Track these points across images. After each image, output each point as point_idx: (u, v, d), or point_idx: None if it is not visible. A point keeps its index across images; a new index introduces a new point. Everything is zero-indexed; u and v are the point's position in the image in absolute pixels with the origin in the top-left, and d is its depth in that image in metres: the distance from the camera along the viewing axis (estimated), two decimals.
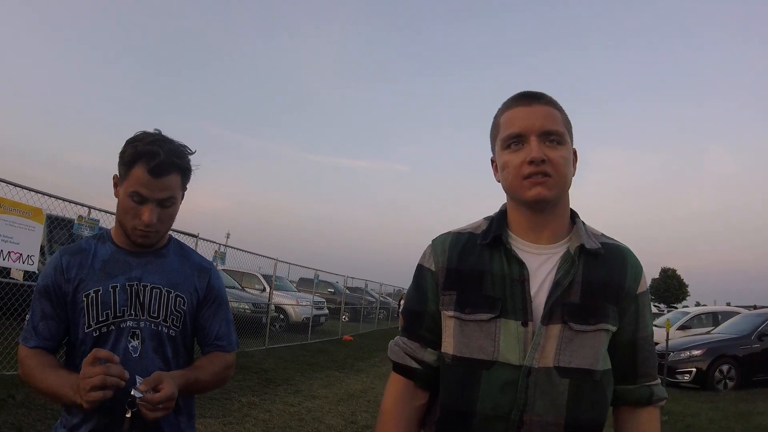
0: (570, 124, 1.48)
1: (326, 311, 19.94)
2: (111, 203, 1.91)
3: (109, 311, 1.78)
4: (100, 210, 7.95)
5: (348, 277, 24.05)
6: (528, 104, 1.43)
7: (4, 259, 6.24)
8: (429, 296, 1.51)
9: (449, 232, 1.56)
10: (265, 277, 17.17)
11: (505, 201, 1.54)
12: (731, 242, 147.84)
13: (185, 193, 1.91)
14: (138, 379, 1.60)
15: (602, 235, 1.51)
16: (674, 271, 76.84)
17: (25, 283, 7.35)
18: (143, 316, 1.81)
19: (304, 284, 21.84)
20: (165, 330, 1.83)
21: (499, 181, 1.50)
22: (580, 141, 1.51)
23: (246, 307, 14.14)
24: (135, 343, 1.79)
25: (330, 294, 24.13)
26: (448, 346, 1.43)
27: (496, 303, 1.39)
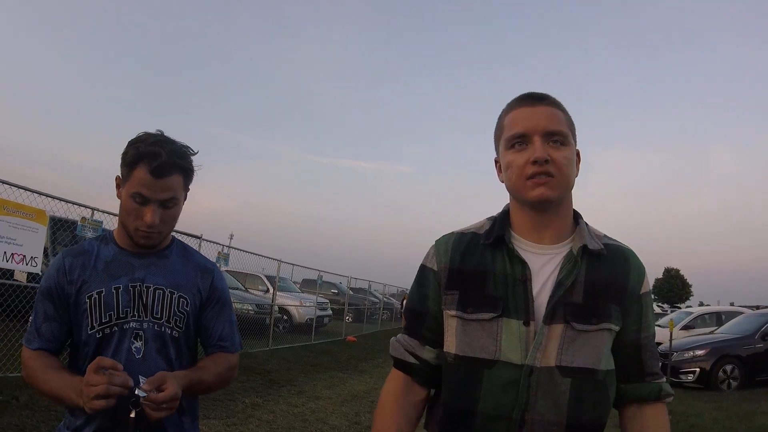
0: (573, 125, 1.49)
1: (330, 312, 19.96)
2: (114, 204, 1.92)
3: (112, 312, 1.78)
4: (103, 211, 7.95)
5: (351, 277, 24.08)
6: (532, 105, 1.45)
7: (7, 261, 6.25)
8: (430, 296, 1.52)
9: (453, 233, 1.57)
10: (268, 278, 17.16)
11: (508, 201, 1.55)
12: (734, 242, 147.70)
13: (188, 193, 1.91)
14: (141, 379, 1.60)
15: (605, 236, 1.51)
16: (677, 271, 76.76)
17: (29, 284, 7.36)
18: (146, 317, 1.81)
19: (308, 285, 21.82)
20: (168, 331, 1.83)
21: (502, 181, 1.51)
22: (582, 141, 1.51)
23: (249, 308, 14.14)
24: (138, 344, 1.78)
25: (333, 295, 24.13)
26: (451, 345, 1.44)
27: (498, 302, 1.39)
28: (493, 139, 1.56)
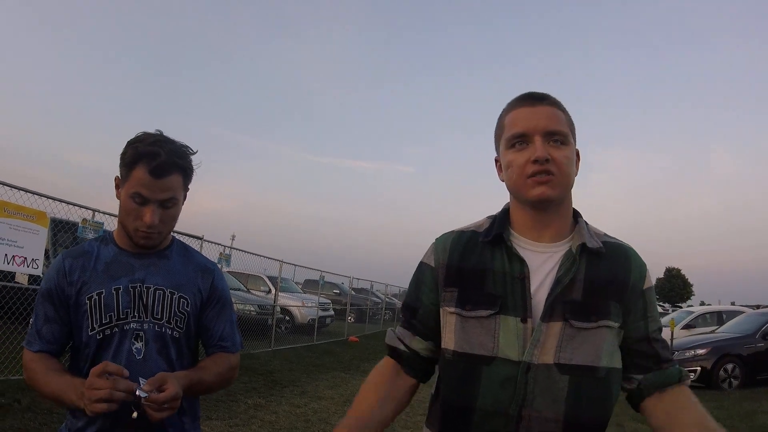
0: (573, 125, 1.50)
1: (332, 312, 19.98)
2: (115, 205, 1.91)
3: (113, 313, 1.78)
4: (104, 213, 7.95)
5: (353, 278, 24.08)
6: (532, 105, 1.45)
7: (8, 263, 6.25)
8: (425, 291, 1.54)
9: (452, 231, 1.58)
10: (270, 278, 17.16)
11: (508, 200, 1.56)
12: (735, 242, 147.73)
13: (187, 193, 1.91)
14: (141, 380, 1.60)
15: (605, 234, 1.52)
16: (678, 270, 76.81)
17: (30, 287, 7.36)
18: (147, 317, 1.81)
19: (310, 285, 21.84)
20: (169, 332, 1.83)
21: (503, 181, 1.52)
22: (583, 141, 1.51)
23: (251, 308, 14.16)
24: (139, 345, 1.78)
25: (335, 295, 24.14)
26: (450, 341, 1.45)
27: (497, 300, 1.40)
28: (493, 139, 1.57)
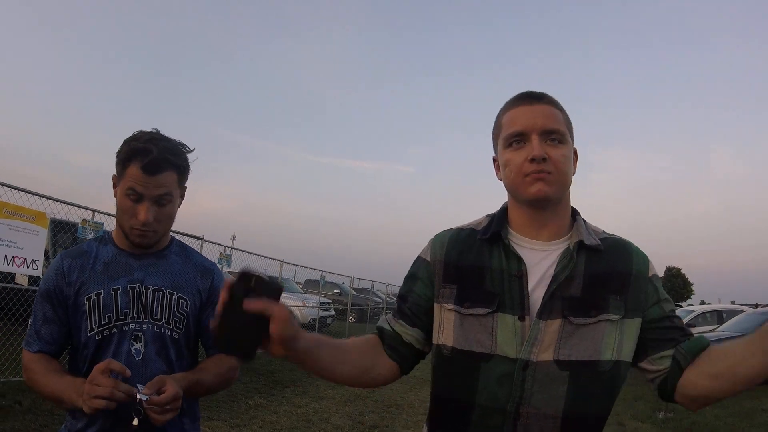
0: (571, 123, 1.50)
1: (333, 312, 19.99)
2: (114, 206, 1.90)
3: (111, 314, 1.77)
4: (104, 213, 7.94)
5: (354, 278, 24.11)
6: (530, 104, 1.46)
7: (8, 264, 6.25)
8: (418, 284, 1.54)
9: (450, 229, 1.59)
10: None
11: (506, 200, 1.56)
12: (735, 242, 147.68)
13: (185, 192, 1.91)
14: (139, 387, 1.59)
15: (603, 232, 1.52)
16: (679, 270, 76.70)
17: (30, 288, 7.36)
18: (146, 318, 1.80)
19: (311, 285, 21.87)
20: (168, 332, 1.83)
21: (501, 180, 1.52)
22: (583, 141, 1.51)
23: None
24: (138, 345, 1.78)
25: (336, 295, 24.15)
26: (448, 338, 1.44)
27: (494, 298, 1.40)
28: (491, 138, 1.57)
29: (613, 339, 1.38)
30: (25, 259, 6.40)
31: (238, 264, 13.36)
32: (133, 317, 1.79)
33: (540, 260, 1.43)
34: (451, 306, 1.45)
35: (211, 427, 6.11)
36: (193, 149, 1.89)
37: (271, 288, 1.20)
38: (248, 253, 13.68)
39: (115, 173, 1.80)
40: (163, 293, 1.83)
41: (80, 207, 7.63)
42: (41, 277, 6.38)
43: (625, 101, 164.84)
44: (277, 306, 1.18)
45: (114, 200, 1.82)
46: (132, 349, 1.77)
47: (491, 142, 1.58)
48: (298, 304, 17.52)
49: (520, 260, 1.42)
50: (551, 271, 1.41)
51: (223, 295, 1.19)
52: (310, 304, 17.85)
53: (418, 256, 1.58)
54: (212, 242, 11.38)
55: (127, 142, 1.77)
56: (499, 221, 1.49)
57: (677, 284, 74.57)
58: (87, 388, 1.54)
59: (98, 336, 1.76)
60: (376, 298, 28.63)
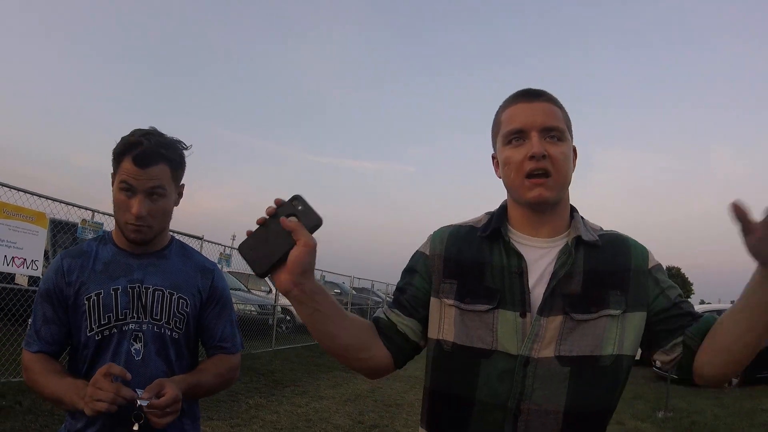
0: (570, 121, 1.50)
1: None
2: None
3: (111, 314, 1.77)
4: (103, 213, 7.94)
5: (354, 277, 24.10)
6: (529, 101, 1.46)
7: (8, 265, 6.24)
8: (416, 277, 1.54)
9: (450, 225, 1.59)
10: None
11: (506, 197, 1.56)
12: (735, 242, 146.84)
13: (183, 191, 1.91)
14: (138, 391, 1.59)
15: (601, 228, 1.53)
16: (678, 269, 76.92)
17: (30, 288, 7.36)
18: (146, 318, 1.80)
19: None
20: (168, 332, 1.83)
21: (500, 177, 1.52)
22: (583, 141, 1.51)
23: (252, 308, 14.15)
24: (138, 346, 1.78)
25: (336, 294, 24.12)
26: (449, 333, 1.44)
27: (495, 294, 1.40)
28: (490, 136, 1.57)
29: (614, 334, 1.38)
30: (25, 259, 6.39)
31: (238, 264, 13.37)
32: (133, 317, 1.79)
33: (539, 257, 1.43)
34: (451, 301, 1.45)
35: (212, 427, 6.11)
36: (190, 146, 1.89)
37: (312, 219, 1.24)
38: None
39: (112, 170, 1.80)
40: (163, 293, 1.83)
41: (80, 207, 7.64)
42: (41, 277, 6.38)
43: (625, 101, 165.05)
44: (307, 234, 1.22)
45: None
46: (132, 349, 1.77)
47: (490, 141, 1.58)
48: None
49: (520, 257, 1.42)
50: (551, 268, 1.41)
51: (269, 208, 1.25)
52: None
53: (417, 251, 1.58)
54: (212, 242, 11.39)
55: (122, 138, 1.78)
56: (498, 219, 1.49)
57: (677, 284, 74.49)
58: (90, 391, 1.54)
59: (98, 336, 1.76)
60: (376, 298, 28.58)
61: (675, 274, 75.89)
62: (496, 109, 1.54)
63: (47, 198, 6.92)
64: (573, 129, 1.51)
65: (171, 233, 1.99)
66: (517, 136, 1.42)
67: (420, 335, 1.52)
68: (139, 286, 1.81)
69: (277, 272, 1.24)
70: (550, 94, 1.48)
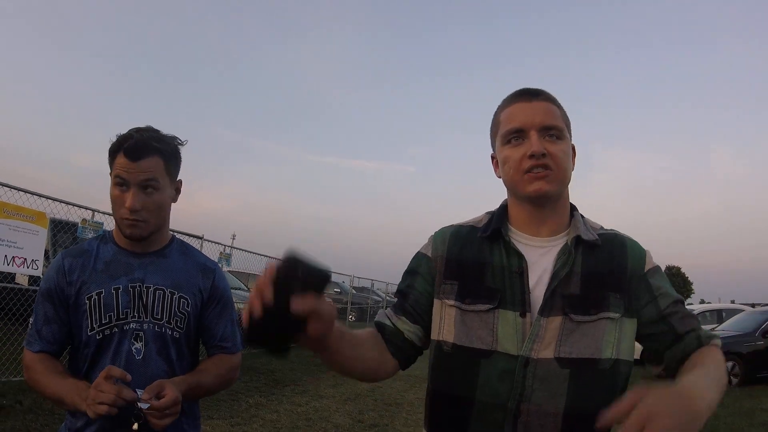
0: (568, 120, 1.50)
1: None
2: None
3: (112, 313, 1.77)
4: (103, 213, 7.95)
5: (354, 276, 24.11)
6: (528, 100, 1.46)
7: (8, 264, 6.25)
8: (419, 280, 1.54)
9: (451, 225, 1.59)
10: None
11: (506, 197, 1.56)
12: (735, 241, 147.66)
13: (180, 186, 1.91)
14: (138, 391, 1.60)
15: (601, 227, 1.52)
16: (678, 269, 76.73)
17: (30, 287, 7.37)
18: (146, 318, 1.80)
19: None
20: (169, 332, 1.83)
21: (499, 177, 1.52)
22: (583, 141, 1.52)
23: None
24: (138, 345, 1.78)
25: (336, 294, 24.13)
26: (449, 334, 1.44)
27: (496, 294, 1.40)
28: (489, 136, 1.57)
29: (613, 337, 1.38)
30: (25, 259, 6.40)
31: (238, 263, 13.38)
32: (133, 316, 1.79)
33: (540, 257, 1.43)
34: (452, 302, 1.45)
35: (212, 426, 6.11)
36: (185, 141, 1.89)
37: (318, 276, 1.05)
38: (248, 252, 13.68)
39: (109, 169, 1.81)
40: (164, 292, 1.83)
41: (80, 207, 7.65)
42: (41, 276, 6.39)
43: (626, 101, 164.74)
44: (325, 305, 1.08)
45: None
46: (132, 349, 1.77)
47: (490, 141, 1.58)
48: None
49: (520, 257, 1.42)
50: (551, 268, 1.41)
51: (264, 285, 1.03)
52: None
53: (419, 252, 1.58)
54: (212, 241, 11.39)
55: (117, 135, 1.79)
56: (499, 218, 1.49)
57: (677, 283, 74.55)
58: (92, 394, 1.55)
59: (99, 335, 1.76)
60: (376, 297, 28.62)
61: (675, 273, 75.79)
62: (494, 111, 1.55)
63: (47, 198, 6.94)
64: (573, 128, 1.51)
65: (172, 232, 1.99)
66: (516, 135, 1.43)
67: (425, 340, 1.53)
68: (140, 286, 1.81)
69: (298, 341, 1.12)
70: (548, 93, 1.49)
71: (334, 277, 23.31)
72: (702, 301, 61.77)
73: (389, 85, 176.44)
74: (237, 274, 15.61)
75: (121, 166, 1.74)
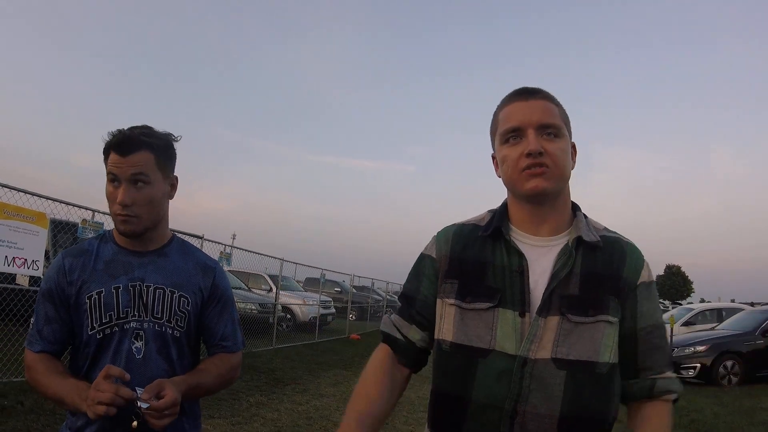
0: (568, 118, 1.50)
1: (333, 310, 19.99)
2: None
3: (112, 312, 1.77)
4: (103, 213, 7.93)
5: (354, 275, 24.09)
6: (526, 99, 1.46)
7: (8, 265, 6.26)
8: (424, 282, 1.55)
9: (453, 224, 1.59)
10: (271, 277, 17.17)
11: (506, 197, 1.56)
12: (735, 240, 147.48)
13: (176, 183, 1.91)
14: (138, 390, 1.60)
15: (605, 228, 1.52)
16: (679, 268, 76.72)
17: (31, 288, 7.37)
18: (147, 317, 1.80)
19: (311, 284, 21.89)
20: (169, 331, 1.83)
21: (499, 176, 1.52)
22: (584, 141, 1.52)
23: (253, 307, 14.17)
24: (139, 344, 1.78)
25: (337, 293, 24.17)
26: (448, 333, 1.45)
27: (496, 293, 1.40)
28: (489, 136, 1.58)
29: (611, 341, 1.38)
30: (26, 259, 6.40)
31: (238, 262, 13.38)
32: (134, 315, 1.79)
33: (540, 256, 1.43)
34: (452, 300, 1.45)
35: (212, 425, 6.11)
36: (179, 137, 1.89)
37: None
38: (248, 251, 13.68)
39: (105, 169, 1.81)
40: (164, 291, 1.83)
41: (80, 207, 7.64)
42: (42, 277, 6.39)
43: (626, 101, 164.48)
44: None
45: None
46: (133, 348, 1.77)
47: (490, 140, 1.58)
48: (298, 302, 17.54)
49: (521, 256, 1.42)
50: (551, 267, 1.41)
51: None
52: (311, 303, 17.85)
53: (423, 254, 1.59)
54: (212, 241, 11.38)
55: None
56: (500, 217, 1.50)
57: (677, 282, 74.67)
58: (92, 395, 1.55)
59: (99, 334, 1.76)
60: (376, 296, 28.60)
61: (675, 272, 75.79)
62: (494, 111, 1.55)
63: (47, 198, 6.93)
64: (573, 128, 1.51)
65: (172, 231, 1.99)
66: (514, 134, 1.43)
67: (433, 342, 1.54)
68: (140, 285, 1.81)
69: None
70: (546, 92, 1.49)
71: (334, 276, 23.39)
72: (702, 300, 61.77)
73: (389, 85, 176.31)
74: (237, 274, 15.63)
75: (112, 162, 1.74)
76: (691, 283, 76.70)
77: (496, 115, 1.53)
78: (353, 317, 23.13)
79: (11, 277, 7.31)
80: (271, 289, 16.87)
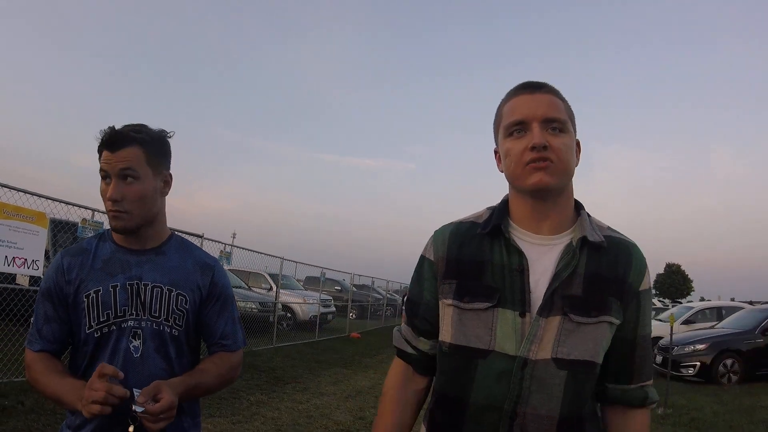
0: (572, 113, 1.47)
1: (333, 309, 19.98)
2: None
3: (110, 311, 1.77)
4: (103, 213, 7.92)
5: (355, 274, 24.09)
6: (531, 92, 1.43)
7: (8, 265, 6.25)
8: (426, 286, 1.53)
9: (451, 223, 1.56)
10: (271, 276, 17.17)
11: (507, 193, 1.54)
12: (735, 239, 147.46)
13: (169, 179, 1.90)
14: (135, 391, 1.59)
15: (608, 228, 1.49)
16: (679, 266, 76.66)
17: (31, 288, 7.37)
18: (144, 315, 1.80)
19: (311, 282, 21.89)
20: (167, 329, 1.82)
21: (502, 171, 1.49)
22: (584, 141, 1.50)
23: (253, 306, 14.17)
24: (136, 343, 1.77)
25: (337, 292, 24.17)
26: (446, 334, 1.43)
27: (495, 293, 1.38)
28: (492, 130, 1.55)
29: (607, 343, 1.38)
30: (26, 259, 6.40)
31: (238, 261, 13.38)
32: (131, 314, 1.78)
33: (541, 255, 1.41)
34: (450, 301, 1.43)
35: (213, 424, 6.11)
36: (172, 133, 1.89)
37: None
38: (248, 250, 13.68)
39: None
40: (162, 290, 1.82)
41: (80, 207, 7.64)
42: (42, 277, 6.39)
43: (626, 101, 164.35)
44: None
45: None
46: (131, 346, 1.76)
47: (491, 141, 1.56)
48: (298, 301, 17.54)
49: (521, 254, 1.39)
50: (553, 267, 1.38)
51: None
52: (311, 301, 17.84)
53: (422, 256, 1.57)
54: (212, 240, 11.38)
55: None
56: (499, 214, 1.47)
57: (677, 281, 74.63)
58: (86, 394, 1.54)
59: (97, 333, 1.76)
60: (376, 295, 28.58)
61: (675, 271, 75.73)
62: (498, 105, 1.52)
63: (47, 198, 6.93)
64: (576, 121, 1.49)
65: (171, 230, 1.98)
66: (519, 127, 1.40)
67: None
68: (137, 283, 1.80)
69: None
70: (552, 86, 1.46)
71: (335, 275, 23.46)
72: (702, 299, 61.75)
73: (389, 85, 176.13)
74: (237, 273, 15.63)
75: (103, 159, 1.75)
76: (691, 281, 76.67)
77: (500, 108, 1.50)
78: (353, 316, 23.11)
79: (11, 277, 7.30)
80: (271, 288, 16.88)
